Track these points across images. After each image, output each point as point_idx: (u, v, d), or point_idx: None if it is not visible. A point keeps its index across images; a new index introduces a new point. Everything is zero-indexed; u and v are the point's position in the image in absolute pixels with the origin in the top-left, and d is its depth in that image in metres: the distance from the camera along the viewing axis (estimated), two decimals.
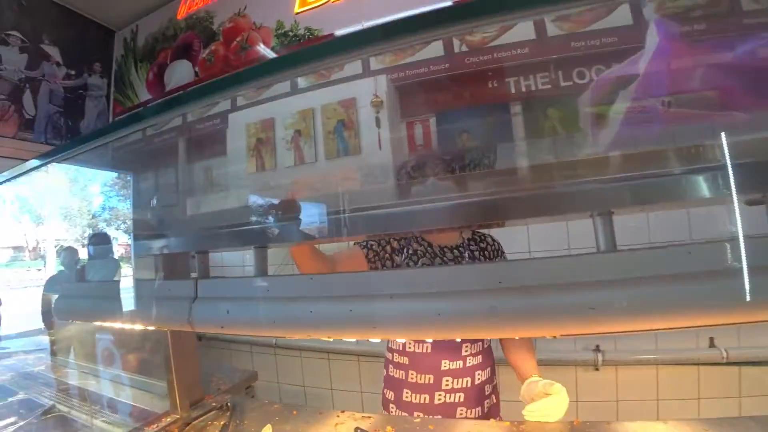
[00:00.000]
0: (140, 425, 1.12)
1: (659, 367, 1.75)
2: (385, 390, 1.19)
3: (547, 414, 0.89)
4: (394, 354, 1.15)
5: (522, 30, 1.69)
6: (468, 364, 1.08)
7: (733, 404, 1.67)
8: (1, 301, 2.39)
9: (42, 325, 2.21)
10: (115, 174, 1.57)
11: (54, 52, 2.70)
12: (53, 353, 2.05)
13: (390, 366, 1.17)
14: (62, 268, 2.25)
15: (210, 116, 1.56)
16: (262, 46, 2.41)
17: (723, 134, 0.40)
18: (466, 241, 1.16)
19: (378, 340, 1.78)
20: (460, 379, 1.07)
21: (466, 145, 1.51)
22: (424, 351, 1.09)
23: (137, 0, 2.81)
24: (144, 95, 2.95)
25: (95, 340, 1.88)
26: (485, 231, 1.22)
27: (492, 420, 1.06)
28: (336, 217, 0.53)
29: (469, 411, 1.08)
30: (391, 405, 1.15)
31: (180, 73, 2.74)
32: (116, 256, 1.21)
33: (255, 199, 0.68)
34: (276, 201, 0.67)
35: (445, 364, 1.07)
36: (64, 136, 2.74)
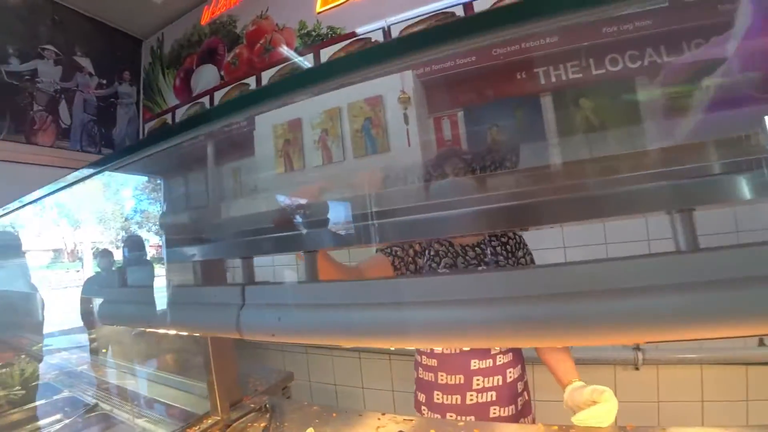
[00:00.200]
0: (182, 426, 1.14)
1: (704, 367, 1.65)
2: (417, 392, 1.18)
3: (600, 421, 0.86)
4: (423, 356, 1.13)
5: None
6: (498, 363, 1.06)
7: None
8: (45, 302, 2.50)
9: (82, 324, 2.30)
10: (146, 178, 1.60)
11: (86, 63, 2.81)
12: (93, 352, 2.12)
13: (419, 368, 1.16)
14: (99, 269, 2.34)
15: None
16: (285, 47, 2.43)
17: None
18: (487, 237, 1.13)
19: None
20: (492, 378, 1.05)
21: (496, 138, 1.46)
22: (453, 351, 1.07)
23: (162, 8, 2.87)
24: (172, 100, 3.02)
25: (133, 340, 1.94)
26: None
27: (540, 424, 1.02)
28: (384, 220, 0.51)
29: (502, 410, 1.05)
30: (423, 407, 1.13)
31: (206, 77, 2.80)
32: (150, 259, 1.24)
33: (295, 202, 0.68)
34: (318, 203, 0.66)
35: (475, 364, 1.05)
36: (98, 143, 2.86)
